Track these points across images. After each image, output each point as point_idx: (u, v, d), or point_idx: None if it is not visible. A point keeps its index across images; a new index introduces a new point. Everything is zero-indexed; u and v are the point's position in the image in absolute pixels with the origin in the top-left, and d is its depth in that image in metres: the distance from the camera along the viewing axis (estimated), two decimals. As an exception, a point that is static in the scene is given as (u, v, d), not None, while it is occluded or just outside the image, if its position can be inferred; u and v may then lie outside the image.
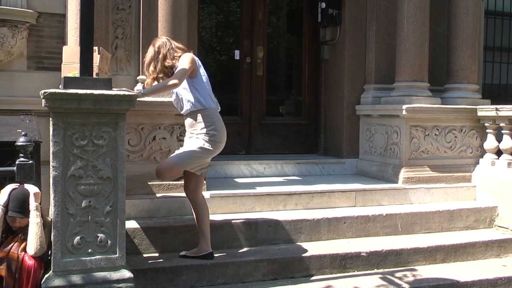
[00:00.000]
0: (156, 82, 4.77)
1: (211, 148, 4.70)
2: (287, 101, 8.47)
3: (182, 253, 4.87)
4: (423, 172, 6.52)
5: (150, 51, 4.82)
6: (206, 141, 4.67)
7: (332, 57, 7.69)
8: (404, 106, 6.39)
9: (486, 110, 6.62)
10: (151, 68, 4.78)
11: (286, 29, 8.47)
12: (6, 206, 3.86)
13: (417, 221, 5.94)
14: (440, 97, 6.82)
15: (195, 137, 4.71)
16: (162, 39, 4.90)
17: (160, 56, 4.75)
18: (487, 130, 6.70)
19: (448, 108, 6.68)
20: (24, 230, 3.88)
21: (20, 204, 3.87)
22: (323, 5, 7.40)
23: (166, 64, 4.74)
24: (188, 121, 4.79)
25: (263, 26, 7.73)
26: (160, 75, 4.76)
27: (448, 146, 6.73)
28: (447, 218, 6.08)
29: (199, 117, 4.70)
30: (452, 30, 7.01)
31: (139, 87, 5.57)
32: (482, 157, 6.79)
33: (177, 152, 4.84)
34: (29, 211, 3.86)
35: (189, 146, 4.74)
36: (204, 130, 4.68)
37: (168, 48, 4.77)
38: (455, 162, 6.76)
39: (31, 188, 3.96)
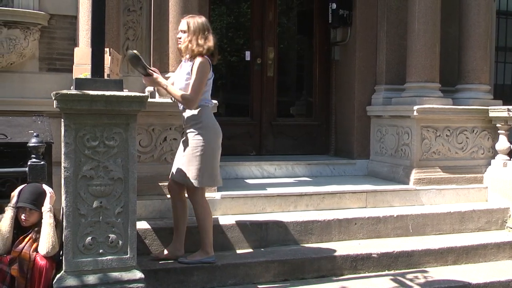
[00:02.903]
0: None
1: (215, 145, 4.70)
2: (298, 102, 8.47)
3: (182, 259, 4.78)
4: (434, 173, 6.50)
5: (200, 24, 4.68)
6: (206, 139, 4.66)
7: (343, 58, 7.68)
8: (415, 107, 6.37)
9: (498, 111, 6.59)
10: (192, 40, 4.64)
11: (296, 30, 8.47)
12: (17, 207, 3.88)
13: (428, 223, 5.92)
14: (451, 98, 6.80)
15: (193, 142, 4.66)
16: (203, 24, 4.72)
17: (198, 38, 4.63)
18: (499, 131, 6.67)
19: (459, 109, 6.65)
20: (35, 229, 3.90)
21: (34, 196, 3.90)
22: (334, 6, 7.39)
23: (190, 48, 4.64)
24: (187, 117, 4.73)
25: (273, 27, 7.73)
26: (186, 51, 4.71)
27: (459, 147, 6.70)
28: (459, 220, 6.05)
29: (200, 113, 4.67)
30: (463, 31, 6.98)
31: (150, 88, 5.58)
32: (494, 158, 6.76)
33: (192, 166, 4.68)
34: (42, 205, 3.89)
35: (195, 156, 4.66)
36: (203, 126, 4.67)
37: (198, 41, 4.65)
38: (467, 163, 6.73)
39: (47, 189, 3.99)
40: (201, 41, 4.63)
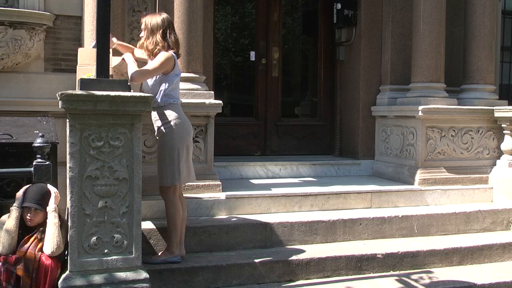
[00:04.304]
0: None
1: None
2: (303, 102, 8.46)
3: (147, 259, 4.63)
4: (439, 174, 6.48)
5: (158, 20, 4.68)
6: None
7: (348, 58, 7.68)
8: (420, 107, 6.36)
9: (503, 111, 6.57)
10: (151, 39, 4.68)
11: (301, 30, 8.45)
12: (21, 207, 3.90)
13: (433, 223, 5.90)
14: (456, 98, 6.78)
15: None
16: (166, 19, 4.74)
17: (155, 35, 4.66)
18: (504, 131, 6.66)
19: (464, 109, 6.64)
20: (40, 229, 3.91)
21: (39, 196, 3.92)
22: (339, 6, 7.39)
23: (150, 47, 4.69)
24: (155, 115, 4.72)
25: (278, 27, 7.73)
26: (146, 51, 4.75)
27: (464, 147, 6.69)
28: (464, 220, 6.03)
29: (167, 111, 4.65)
30: (468, 30, 6.97)
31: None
32: (499, 159, 6.74)
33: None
34: (47, 205, 3.91)
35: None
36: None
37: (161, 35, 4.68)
38: (472, 163, 6.71)
39: (52, 189, 4.00)
40: (161, 38, 4.64)
